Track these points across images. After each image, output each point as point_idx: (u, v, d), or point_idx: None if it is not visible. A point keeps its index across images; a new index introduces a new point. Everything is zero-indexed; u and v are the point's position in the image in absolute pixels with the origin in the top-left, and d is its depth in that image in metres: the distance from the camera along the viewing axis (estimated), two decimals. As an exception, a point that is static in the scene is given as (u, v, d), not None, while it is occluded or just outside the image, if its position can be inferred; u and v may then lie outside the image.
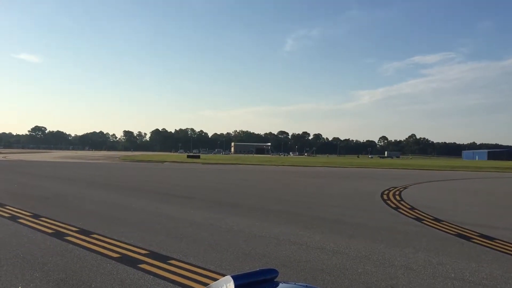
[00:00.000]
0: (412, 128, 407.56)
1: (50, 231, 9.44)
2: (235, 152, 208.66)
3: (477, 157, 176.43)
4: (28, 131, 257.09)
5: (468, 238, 9.93)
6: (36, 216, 11.33)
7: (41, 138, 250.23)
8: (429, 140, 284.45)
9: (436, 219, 12.59)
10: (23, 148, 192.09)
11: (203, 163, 60.90)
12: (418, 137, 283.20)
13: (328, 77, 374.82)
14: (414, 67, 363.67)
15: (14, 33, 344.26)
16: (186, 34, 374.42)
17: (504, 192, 24.91)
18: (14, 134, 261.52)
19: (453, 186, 28.47)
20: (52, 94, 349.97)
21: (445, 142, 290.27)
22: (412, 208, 14.95)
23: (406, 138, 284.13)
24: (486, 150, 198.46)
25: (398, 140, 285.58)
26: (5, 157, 67.48)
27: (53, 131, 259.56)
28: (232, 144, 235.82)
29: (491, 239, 9.90)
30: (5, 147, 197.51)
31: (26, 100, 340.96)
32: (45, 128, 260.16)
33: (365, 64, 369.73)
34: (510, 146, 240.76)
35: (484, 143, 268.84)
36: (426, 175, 41.65)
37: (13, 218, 10.96)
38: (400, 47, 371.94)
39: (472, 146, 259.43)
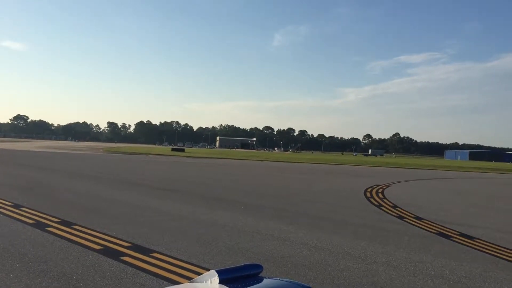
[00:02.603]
0: (396, 127, 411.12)
1: (31, 221, 9.32)
2: (220, 146, 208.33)
3: (459, 157, 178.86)
4: (10, 119, 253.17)
5: (448, 237, 10.08)
6: (17, 206, 11.18)
7: (23, 127, 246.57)
8: (413, 139, 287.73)
9: (417, 218, 12.75)
10: (4, 136, 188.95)
11: (187, 157, 60.69)
12: (402, 136, 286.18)
13: (315, 74, 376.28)
14: (400, 66, 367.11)
15: (0, 21, 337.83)
16: (173, 27, 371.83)
17: (484, 192, 25.31)
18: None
19: (435, 185, 28.85)
20: (35, 82, 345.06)
21: (428, 142, 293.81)
22: (395, 206, 15.12)
23: (390, 137, 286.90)
24: (468, 151, 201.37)
25: (382, 138, 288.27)
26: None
27: (35, 120, 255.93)
28: (217, 138, 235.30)
29: (471, 238, 10.08)
30: None
31: (9, 88, 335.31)
32: (27, 117, 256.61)
33: (352, 62, 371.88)
34: (492, 147, 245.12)
35: (466, 143, 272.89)
36: (409, 173, 42.12)
37: (-7, 208, 10.79)
38: (387, 46, 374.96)
39: (455, 146, 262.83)
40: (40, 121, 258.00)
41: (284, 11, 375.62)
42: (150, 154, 64.23)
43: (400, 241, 9.31)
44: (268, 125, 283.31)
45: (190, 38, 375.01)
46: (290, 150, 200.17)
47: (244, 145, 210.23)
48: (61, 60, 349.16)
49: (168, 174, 26.58)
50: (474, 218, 13.80)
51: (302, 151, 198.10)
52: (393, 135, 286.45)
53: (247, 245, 8.15)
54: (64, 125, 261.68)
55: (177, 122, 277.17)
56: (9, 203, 11.53)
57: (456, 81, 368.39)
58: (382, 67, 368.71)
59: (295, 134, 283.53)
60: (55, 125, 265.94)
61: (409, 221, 12.16)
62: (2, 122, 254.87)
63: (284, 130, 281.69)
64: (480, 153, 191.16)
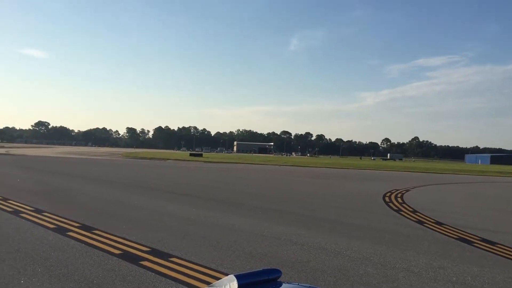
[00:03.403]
0: (415, 131, 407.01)
1: (52, 226, 9.47)
2: (238, 151, 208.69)
3: (480, 161, 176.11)
4: (31, 125, 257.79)
5: (469, 242, 9.91)
6: (38, 211, 11.37)
7: (44, 133, 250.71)
8: (432, 143, 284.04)
9: (437, 223, 12.57)
10: (26, 143, 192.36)
11: (205, 162, 60.94)
12: (421, 140, 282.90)
13: (332, 78, 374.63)
14: (419, 69, 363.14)
15: (20, 28, 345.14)
16: (190, 33, 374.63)
17: (506, 197, 24.85)
18: (17, 128, 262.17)
19: (455, 190, 28.42)
20: (56, 89, 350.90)
21: (448, 146, 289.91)
22: (414, 211, 14.94)
23: (409, 141, 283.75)
24: (489, 154, 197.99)
25: (401, 142, 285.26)
26: (7, 152, 67.63)
27: (56, 127, 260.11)
28: (235, 143, 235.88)
29: (493, 243, 9.89)
30: (8, 141, 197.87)
31: (30, 95, 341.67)
32: (48, 123, 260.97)
33: (369, 66, 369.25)
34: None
35: (487, 147, 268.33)
36: (428, 178, 41.58)
37: (16, 213, 11.00)
38: (405, 49, 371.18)
39: (475, 150, 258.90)
40: (61, 127, 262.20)
41: (301, 15, 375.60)
42: (168, 159, 64.68)
43: (420, 246, 9.19)
44: (286, 130, 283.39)
45: (208, 43, 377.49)
46: (308, 154, 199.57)
47: (262, 150, 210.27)
48: (80, 67, 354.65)
49: (186, 179, 26.72)
50: (495, 223, 13.56)
51: (320, 156, 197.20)
52: (412, 139, 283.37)
53: (265, 250, 8.14)
54: (84, 131, 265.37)
55: (195, 127, 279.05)
56: (31, 208, 11.73)
57: (476, 84, 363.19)
58: (400, 70, 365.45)
59: (313, 138, 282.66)
60: (76, 131, 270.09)
61: (429, 226, 11.99)
62: (24, 128, 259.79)
63: (301, 134, 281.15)
64: (501, 157, 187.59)
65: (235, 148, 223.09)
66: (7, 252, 7.18)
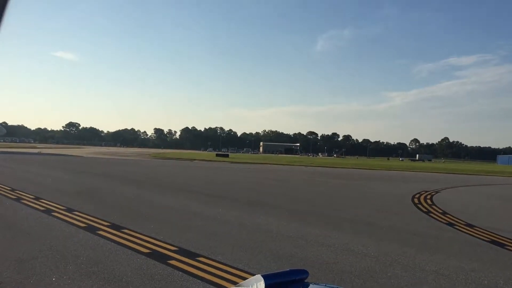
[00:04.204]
0: (445, 131, 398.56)
1: (83, 225, 9.67)
2: (264, 151, 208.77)
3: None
4: (63, 126, 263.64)
5: (502, 245, 9.66)
6: (69, 210, 11.63)
7: (74, 134, 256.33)
8: (463, 144, 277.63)
9: (468, 225, 12.29)
10: (57, 143, 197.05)
11: (231, 162, 61.22)
12: (451, 140, 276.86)
13: (359, 78, 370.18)
14: (449, 68, 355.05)
15: (52, 31, 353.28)
16: (215, 34, 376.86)
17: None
18: (49, 129, 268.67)
19: (487, 191, 27.74)
20: (86, 91, 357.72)
21: (479, 146, 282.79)
22: (444, 213, 14.65)
23: (438, 141, 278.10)
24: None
25: (430, 143, 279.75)
26: (40, 152, 69.42)
27: (86, 127, 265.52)
28: (261, 143, 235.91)
29: (527, 247, 9.61)
30: (41, 142, 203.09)
31: (62, 97, 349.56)
32: (79, 124, 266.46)
33: (397, 65, 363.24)
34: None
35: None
36: (459, 179, 40.71)
37: (48, 212, 11.28)
38: (434, 48, 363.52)
39: (508, 150, 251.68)
40: (91, 128, 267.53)
41: (327, 15, 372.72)
42: (195, 159, 65.25)
43: (451, 249, 9.00)
44: (312, 130, 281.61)
45: (234, 44, 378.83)
46: (334, 155, 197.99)
47: (288, 151, 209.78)
48: (109, 69, 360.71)
49: (213, 179, 26.89)
50: (530, 226, 13.16)
51: (347, 156, 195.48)
52: (442, 140, 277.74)
53: (291, 250, 8.12)
54: (113, 132, 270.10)
55: (221, 128, 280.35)
56: (62, 207, 12.01)
57: (509, 83, 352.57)
58: (430, 70, 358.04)
59: (339, 139, 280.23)
60: (105, 131, 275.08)
61: (460, 228, 11.74)
62: (55, 129, 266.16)
63: (328, 135, 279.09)
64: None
65: (261, 149, 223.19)
66: (40, 250, 7.37)
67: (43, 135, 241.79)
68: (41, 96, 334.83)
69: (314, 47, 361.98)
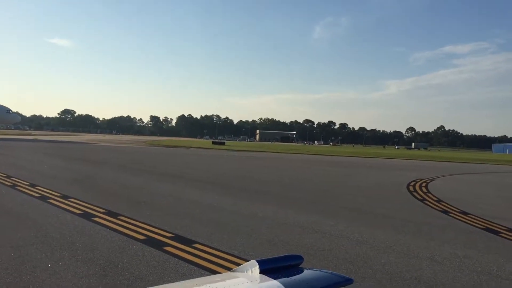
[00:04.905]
0: (441, 120, 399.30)
1: (78, 211, 9.67)
2: (260, 139, 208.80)
3: (508, 150, 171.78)
4: (58, 113, 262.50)
5: (496, 232, 9.74)
6: (65, 197, 11.61)
7: (70, 121, 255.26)
8: (458, 132, 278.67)
9: (463, 212, 12.37)
10: (52, 130, 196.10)
11: (227, 150, 61.19)
12: (447, 128, 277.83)
13: (356, 66, 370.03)
14: (445, 57, 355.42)
15: (46, 18, 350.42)
16: (213, 22, 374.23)
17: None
18: (44, 116, 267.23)
19: (482, 180, 27.90)
20: (82, 78, 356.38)
21: (475, 135, 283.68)
22: (439, 201, 14.73)
23: (434, 130, 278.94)
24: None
25: (426, 131, 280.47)
26: (35, 138, 69.10)
27: (81, 115, 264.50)
28: (257, 131, 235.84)
29: (520, 234, 9.69)
30: (36, 129, 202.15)
31: (57, 84, 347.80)
32: (74, 111, 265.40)
33: (394, 53, 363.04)
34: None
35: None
36: (454, 167, 40.90)
37: (43, 198, 11.26)
38: (432, 36, 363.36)
39: (504, 139, 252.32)
40: (86, 115, 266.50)
41: (325, 1, 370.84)
42: (191, 147, 65.16)
43: (445, 236, 9.07)
44: (308, 118, 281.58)
45: (230, 32, 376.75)
46: (331, 143, 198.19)
47: (284, 139, 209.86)
48: (105, 56, 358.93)
49: (210, 167, 26.90)
50: (523, 214, 13.25)
51: (343, 145, 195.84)
52: (438, 128, 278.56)
53: (287, 237, 8.15)
54: (109, 119, 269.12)
55: (218, 116, 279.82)
56: (58, 194, 11.99)
57: (505, 72, 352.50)
58: (426, 58, 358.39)
59: (336, 127, 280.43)
60: (101, 119, 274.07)
61: (454, 215, 11.82)
62: (50, 116, 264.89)
63: (324, 123, 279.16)
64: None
65: (257, 137, 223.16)
66: (35, 237, 7.37)
67: (38, 122, 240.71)
68: (36, 83, 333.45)
69: (311, 34, 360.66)
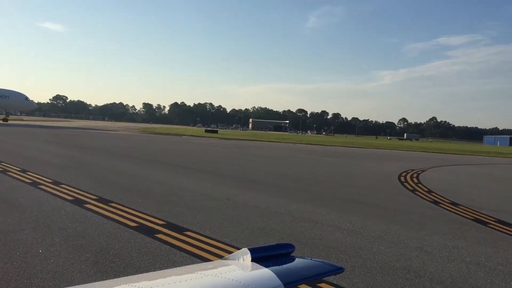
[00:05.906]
0: (433, 111, 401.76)
1: (70, 198, 9.64)
2: (253, 128, 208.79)
3: (498, 142, 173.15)
4: (50, 99, 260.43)
5: (485, 223, 9.85)
6: (56, 183, 11.56)
7: (62, 107, 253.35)
8: (450, 124, 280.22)
9: (453, 203, 12.49)
10: (44, 116, 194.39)
11: (221, 138, 61.10)
12: (439, 120, 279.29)
13: (349, 56, 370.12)
14: (439, 48, 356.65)
15: (40, 2, 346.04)
16: (207, 10, 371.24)
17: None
18: (36, 101, 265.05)
19: (472, 171, 28.13)
20: (74, 63, 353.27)
21: (466, 127, 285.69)
22: (429, 191, 14.85)
23: (426, 121, 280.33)
24: (509, 136, 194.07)
25: (418, 122, 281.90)
26: (27, 124, 68.57)
27: (74, 101, 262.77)
28: (250, 120, 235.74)
29: (509, 225, 9.81)
30: (27, 114, 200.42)
31: (49, 69, 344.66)
32: (66, 97, 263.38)
33: (388, 44, 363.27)
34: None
35: (507, 128, 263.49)
36: (445, 158, 41.18)
37: (35, 184, 11.20)
38: (426, 27, 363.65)
39: (494, 131, 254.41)
40: (79, 101, 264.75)
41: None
42: (183, 135, 64.97)
43: (435, 226, 9.16)
44: (302, 108, 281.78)
45: (224, 20, 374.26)
46: (323, 133, 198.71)
47: (277, 128, 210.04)
48: (98, 42, 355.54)
49: (202, 156, 26.88)
50: (512, 205, 13.40)
51: (335, 135, 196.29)
52: (430, 119, 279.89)
53: (278, 226, 8.19)
54: (101, 106, 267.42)
55: (211, 104, 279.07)
56: (49, 180, 11.93)
57: (498, 64, 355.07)
58: (420, 49, 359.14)
59: (329, 117, 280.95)
60: (93, 105, 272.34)
61: (444, 206, 11.93)
62: (42, 101, 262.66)
63: (317, 113, 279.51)
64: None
65: (250, 125, 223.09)
66: (26, 222, 7.35)
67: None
68: (28, 67, 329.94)
69: (305, 23, 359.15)
